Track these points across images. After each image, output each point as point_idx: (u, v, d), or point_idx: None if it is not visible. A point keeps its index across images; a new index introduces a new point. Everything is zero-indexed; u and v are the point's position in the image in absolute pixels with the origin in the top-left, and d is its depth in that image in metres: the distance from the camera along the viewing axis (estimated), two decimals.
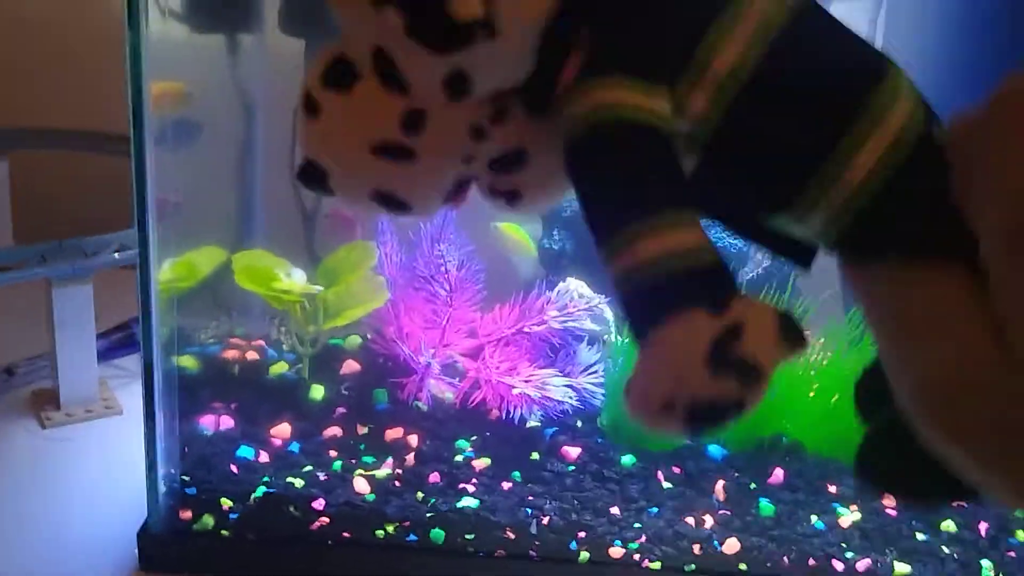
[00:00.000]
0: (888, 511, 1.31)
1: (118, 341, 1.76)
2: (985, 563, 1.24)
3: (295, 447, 1.37)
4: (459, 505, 1.25)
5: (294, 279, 1.47)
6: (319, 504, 1.24)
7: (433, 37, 0.50)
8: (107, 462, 1.47)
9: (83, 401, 1.59)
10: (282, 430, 1.40)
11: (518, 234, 1.61)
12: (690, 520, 1.27)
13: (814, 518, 1.28)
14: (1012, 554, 1.27)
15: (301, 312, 1.49)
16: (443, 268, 1.44)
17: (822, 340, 1.40)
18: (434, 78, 0.52)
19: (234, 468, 1.30)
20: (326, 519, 1.23)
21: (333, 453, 1.36)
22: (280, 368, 1.55)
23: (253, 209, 1.66)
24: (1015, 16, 1.32)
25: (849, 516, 1.29)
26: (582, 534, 1.23)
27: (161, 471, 1.22)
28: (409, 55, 0.52)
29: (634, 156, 0.49)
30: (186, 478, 1.26)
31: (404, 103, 0.55)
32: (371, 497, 1.27)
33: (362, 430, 1.42)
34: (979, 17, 1.36)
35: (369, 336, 1.58)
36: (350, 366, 1.56)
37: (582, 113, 0.50)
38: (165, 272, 1.44)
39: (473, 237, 1.49)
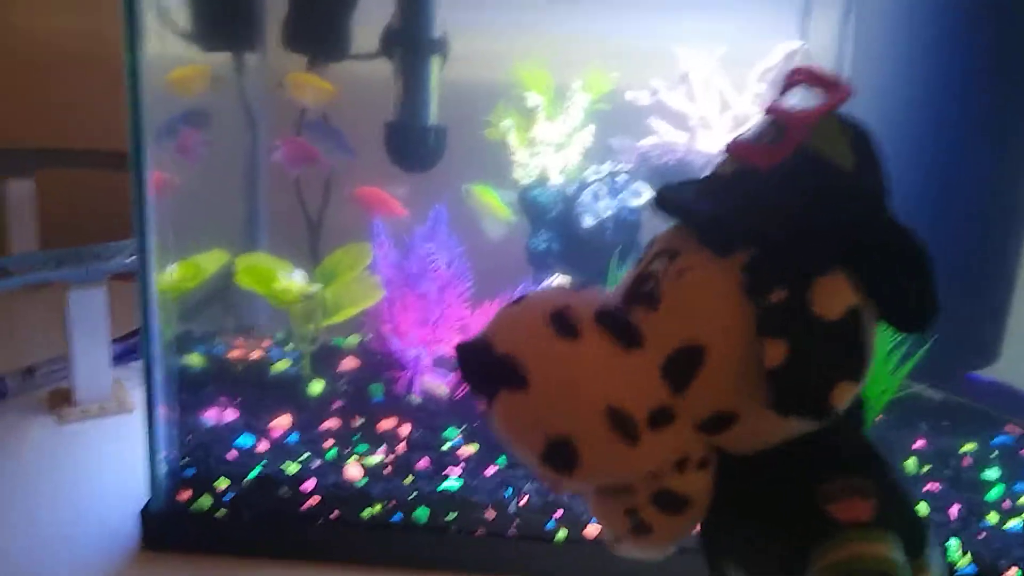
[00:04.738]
0: None
1: (134, 345, 1.84)
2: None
3: (294, 437, 1.44)
4: (442, 488, 1.31)
5: (294, 280, 1.55)
6: (309, 485, 1.30)
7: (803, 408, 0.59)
8: (117, 454, 1.55)
9: (97, 399, 1.67)
10: (282, 421, 1.47)
11: (490, 196, 1.62)
12: None
13: None
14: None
15: (300, 310, 1.57)
16: (433, 267, 1.51)
17: None
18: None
19: (233, 454, 1.37)
20: (316, 499, 1.30)
21: (329, 443, 1.43)
22: (282, 365, 1.63)
23: (258, 216, 1.75)
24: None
25: None
26: (559, 514, 1.29)
27: (162, 454, 1.30)
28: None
29: None
30: (186, 459, 1.33)
31: (670, 400, 0.63)
32: (362, 482, 1.33)
33: (357, 422, 1.49)
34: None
35: (369, 335, 1.65)
36: (349, 363, 1.64)
37: (849, 558, 0.61)
38: (173, 273, 1.54)
39: (465, 239, 1.56)
